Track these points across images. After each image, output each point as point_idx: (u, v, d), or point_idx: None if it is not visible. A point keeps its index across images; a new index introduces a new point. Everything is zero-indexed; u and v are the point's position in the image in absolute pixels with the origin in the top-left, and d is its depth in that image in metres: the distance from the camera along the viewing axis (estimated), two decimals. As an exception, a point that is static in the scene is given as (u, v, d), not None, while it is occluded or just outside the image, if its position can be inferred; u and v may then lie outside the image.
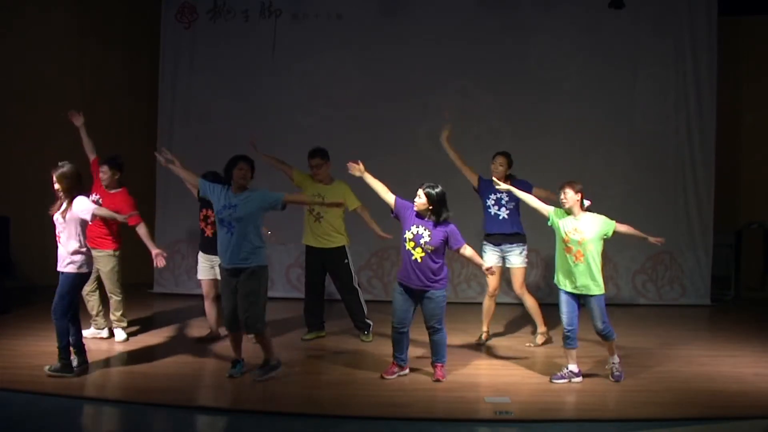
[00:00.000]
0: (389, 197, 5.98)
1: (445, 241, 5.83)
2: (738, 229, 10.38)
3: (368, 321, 7.46)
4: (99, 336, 7.18)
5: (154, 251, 6.61)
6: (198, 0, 9.79)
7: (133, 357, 6.48)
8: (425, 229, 5.80)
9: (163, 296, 9.70)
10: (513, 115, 9.59)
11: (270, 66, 9.69)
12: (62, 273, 5.90)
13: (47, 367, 5.87)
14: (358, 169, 6.01)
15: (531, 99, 9.60)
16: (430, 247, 5.77)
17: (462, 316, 8.61)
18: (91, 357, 6.21)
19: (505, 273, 7.46)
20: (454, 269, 9.70)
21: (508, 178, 7.08)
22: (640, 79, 9.65)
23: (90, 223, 5.97)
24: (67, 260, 5.86)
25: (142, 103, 10.36)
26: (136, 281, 9.99)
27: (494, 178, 6.70)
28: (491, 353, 6.95)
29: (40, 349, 6.64)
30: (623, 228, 6.03)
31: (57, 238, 5.89)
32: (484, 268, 6.01)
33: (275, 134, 9.45)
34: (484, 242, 7.32)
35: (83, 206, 5.83)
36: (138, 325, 7.85)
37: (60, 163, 5.89)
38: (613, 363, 6.07)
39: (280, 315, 8.08)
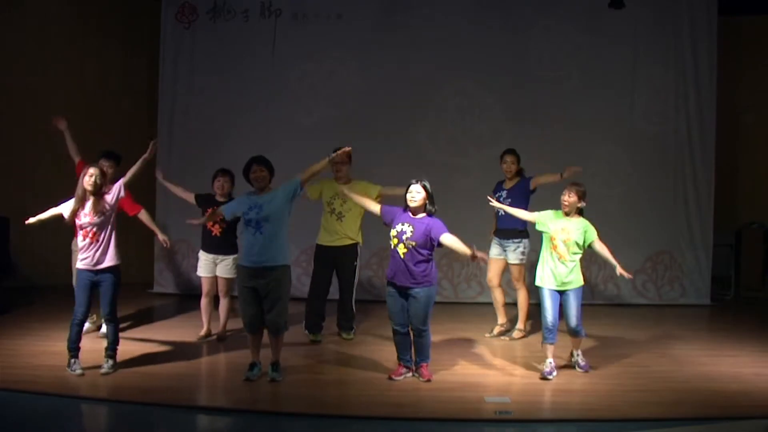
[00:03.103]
0: (374, 207, 6.07)
1: (428, 235, 5.76)
2: (738, 229, 10.39)
3: (354, 325, 7.52)
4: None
5: (161, 236, 6.99)
6: (198, 0, 9.79)
7: (133, 357, 6.46)
8: (408, 225, 5.80)
9: (162, 296, 9.69)
10: (513, 115, 9.59)
11: (270, 66, 9.68)
12: (109, 270, 5.94)
13: (103, 371, 5.95)
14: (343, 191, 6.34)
15: (531, 98, 9.60)
16: (413, 243, 5.74)
17: (462, 316, 8.65)
18: (91, 357, 6.19)
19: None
20: (454, 269, 9.72)
21: (518, 174, 7.45)
22: (639, 78, 9.65)
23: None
24: (113, 252, 5.93)
25: (142, 102, 10.37)
26: (136, 281, 10.02)
27: (488, 197, 6.73)
28: (491, 353, 6.94)
29: (40, 349, 6.65)
30: (600, 246, 6.14)
31: (92, 240, 5.86)
32: (470, 253, 5.65)
33: (275, 134, 9.46)
34: (492, 237, 7.59)
35: (114, 188, 5.96)
36: (138, 325, 7.86)
37: (92, 167, 5.94)
38: (578, 355, 6.31)
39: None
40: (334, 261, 7.33)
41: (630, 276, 6.23)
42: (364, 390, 5.76)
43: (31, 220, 6.02)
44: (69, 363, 5.94)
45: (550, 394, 5.73)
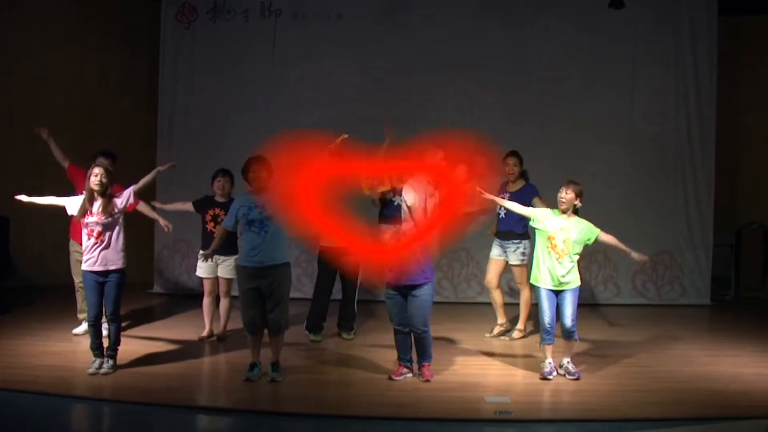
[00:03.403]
0: None
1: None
2: (738, 229, 10.38)
3: (354, 325, 7.54)
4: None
5: (162, 222, 7.15)
6: (198, 0, 9.79)
7: (133, 357, 6.46)
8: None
9: (162, 296, 9.68)
10: (513, 115, 9.59)
11: (270, 66, 9.69)
12: (117, 271, 5.95)
13: (103, 371, 5.94)
14: None
15: (531, 98, 9.61)
16: None
17: (462, 316, 8.65)
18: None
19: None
20: (454, 269, 9.72)
21: (522, 176, 7.46)
22: (639, 78, 9.66)
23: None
24: (119, 256, 5.95)
25: (142, 102, 10.36)
26: (136, 281, 10.02)
27: (479, 189, 6.61)
28: (491, 353, 6.94)
29: (40, 349, 6.65)
30: (607, 237, 6.11)
31: (96, 240, 5.89)
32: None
33: (275, 134, 9.45)
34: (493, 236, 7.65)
35: (125, 193, 5.99)
36: (138, 325, 7.85)
37: (97, 163, 6.08)
38: (568, 363, 6.13)
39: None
40: (339, 264, 7.31)
41: (645, 258, 6.25)
42: (364, 390, 5.75)
43: (23, 197, 5.98)
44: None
45: (550, 394, 5.72)
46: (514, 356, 6.83)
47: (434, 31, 9.62)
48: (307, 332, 7.35)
